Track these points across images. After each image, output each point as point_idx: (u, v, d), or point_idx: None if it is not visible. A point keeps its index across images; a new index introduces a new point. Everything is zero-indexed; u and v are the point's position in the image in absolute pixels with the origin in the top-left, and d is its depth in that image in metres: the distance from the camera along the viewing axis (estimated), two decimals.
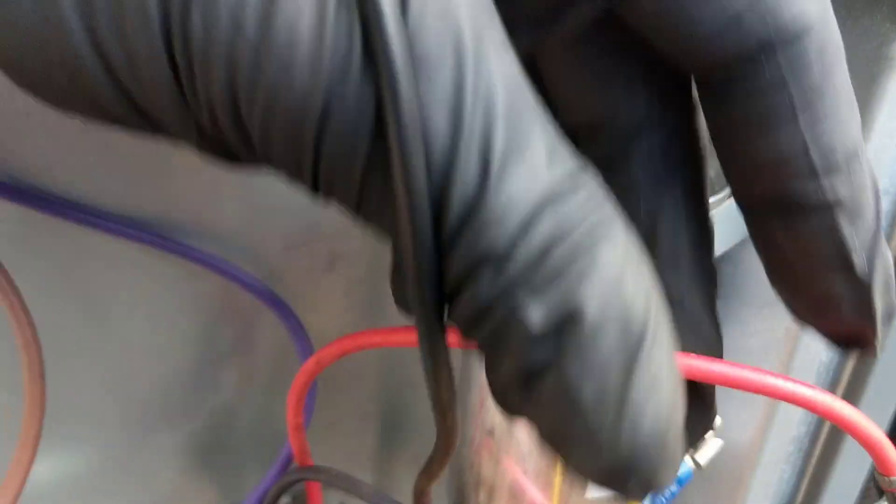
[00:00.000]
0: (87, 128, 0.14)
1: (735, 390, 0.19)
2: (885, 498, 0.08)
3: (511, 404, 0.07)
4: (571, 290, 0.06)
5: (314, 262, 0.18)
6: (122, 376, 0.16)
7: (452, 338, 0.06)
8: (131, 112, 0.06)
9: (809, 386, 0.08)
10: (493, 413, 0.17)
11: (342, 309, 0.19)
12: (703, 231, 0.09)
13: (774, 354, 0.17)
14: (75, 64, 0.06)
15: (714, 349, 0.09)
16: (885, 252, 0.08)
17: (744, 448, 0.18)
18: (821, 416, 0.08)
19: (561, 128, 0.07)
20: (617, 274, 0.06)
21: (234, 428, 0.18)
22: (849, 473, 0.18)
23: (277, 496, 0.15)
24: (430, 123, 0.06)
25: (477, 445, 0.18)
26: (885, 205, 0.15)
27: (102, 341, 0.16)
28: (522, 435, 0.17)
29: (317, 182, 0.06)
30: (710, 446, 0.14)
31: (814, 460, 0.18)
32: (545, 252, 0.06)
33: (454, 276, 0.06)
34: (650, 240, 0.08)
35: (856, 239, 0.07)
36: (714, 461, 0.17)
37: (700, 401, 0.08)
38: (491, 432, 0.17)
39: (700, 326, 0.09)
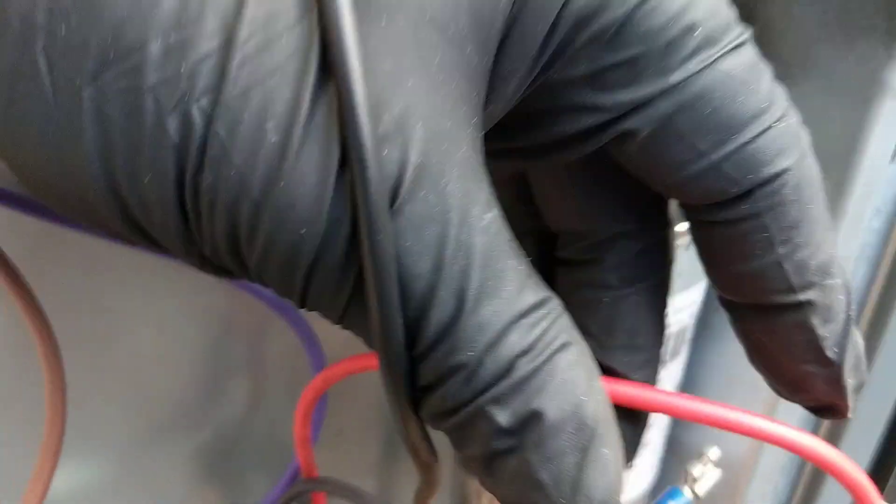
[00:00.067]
0: None
1: (732, 403, 0.19)
2: None
3: (476, 475, 0.08)
4: (533, 397, 0.07)
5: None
6: (136, 388, 0.17)
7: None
8: (141, 238, 0.07)
9: (794, 427, 0.08)
10: None
11: None
12: (657, 326, 0.10)
13: (762, 387, 0.17)
14: (89, 196, 0.07)
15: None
16: (856, 339, 0.08)
17: (740, 459, 0.18)
18: (804, 458, 0.08)
19: (545, 230, 0.09)
20: (572, 381, 0.07)
21: (244, 439, 0.19)
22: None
23: None
24: (414, 270, 0.06)
25: None
26: (878, 224, 0.15)
27: (118, 353, 0.16)
28: None
29: (304, 303, 0.07)
30: (709, 477, 0.15)
31: (807, 470, 0.19)
32: (511, 365, 0.07)
33: (426, 380, 0.07)
34: (609, 329, 0.09)
35: (827, 333, 0.08)
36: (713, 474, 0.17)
37: (633, 419, 0.09)
38: None
39: None
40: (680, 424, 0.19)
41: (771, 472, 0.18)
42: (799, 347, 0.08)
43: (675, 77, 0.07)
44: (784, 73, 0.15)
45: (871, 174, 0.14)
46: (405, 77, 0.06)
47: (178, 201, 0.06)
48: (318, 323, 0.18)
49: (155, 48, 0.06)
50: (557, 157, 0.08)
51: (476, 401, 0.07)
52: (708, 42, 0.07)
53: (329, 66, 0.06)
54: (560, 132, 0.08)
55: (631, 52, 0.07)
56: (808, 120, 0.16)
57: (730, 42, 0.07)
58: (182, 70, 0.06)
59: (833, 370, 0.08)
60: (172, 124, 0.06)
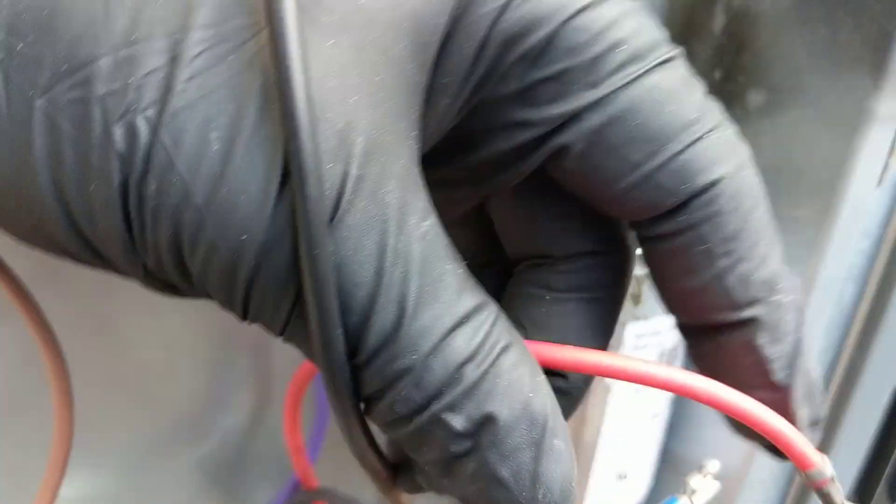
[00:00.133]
0: None
1: (723, 415, 0.19)
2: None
3: (434, 479, 0.08)
4: (485, 401, 0.07)
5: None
6: (142, 400, 0.17)
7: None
8: (86, 251, 0.07)
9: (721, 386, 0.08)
10: None
11: None
12: (595, 340, 0.10)
13: None
14: (40, 208, 0.07)
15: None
16: (807, 364, 0.08)
17: (731, 472, 0.18)
18: (727, 412, 0.08)
19: (506, 256, 0.09)
20: (518, 381, 0.07)
21: (247, 450, 0.19)
22: None
23: None
24: (355, 279, 0.07)
25: None
26: (866, 245, 0.16)
27: (124, 367, 0.16)
28: None
29: (246, 314, 0.07)
30: (709, 489, 0.15)
31: (796, 483, 0.19)
32: (459, 370, 0.07)
33: (373, 388, 0.07)
34: (543, 327, 0.09)
35: (776, 354, 0.08)
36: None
37: (567, 393, 0.10)
38: None
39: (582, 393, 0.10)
40: (675, 437, 0.19)
41: (761, 483, 0.19)
42: (746, 371, 0.08)
43: (603, 90, 0.07)
44: (774, 101, 0.16)
45: (858, 198, 0.15)
46: (348, 94, 0.07)
47: (123, 209, 0.07)
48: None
49: (105, 62, 0.06)
50: (502, 179, 0.08)
51: (430, 407, 0.07)
52: (634, 57, 0.07)
53: (275, 83, 0.06)
54: (497, 151, 0.08)
55: (558, 67, 0.07)
56: (798, 145, 0.17)
57: (657, 58, 0.07)
58: (130, 82, 0.06)
59: (781, 396, 0.08)
60: (119, 133, 0.06)
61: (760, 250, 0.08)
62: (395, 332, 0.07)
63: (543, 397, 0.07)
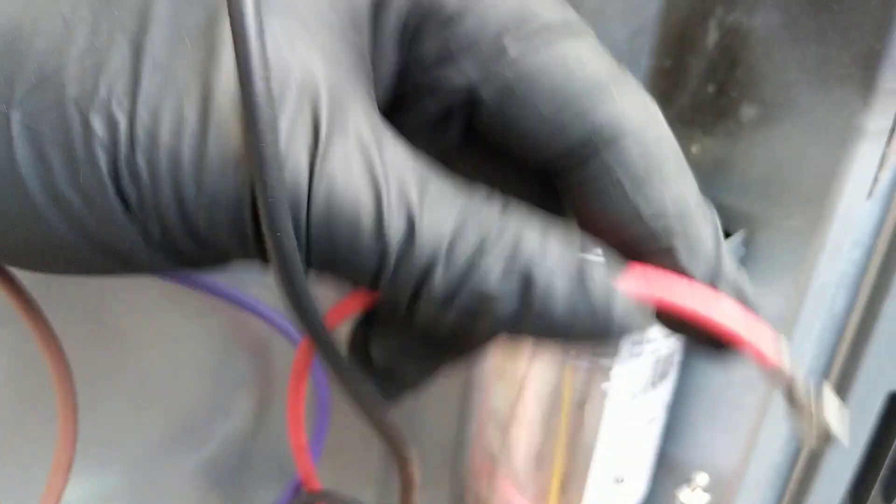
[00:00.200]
0: None
1: (719, 421, 0.19)
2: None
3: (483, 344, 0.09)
4: (514, 260, 0.08)
5: (326, 291, 0.19)
6: (144, 405, 0.17)
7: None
8: (88, 247, 0.08)
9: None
10: (492, 439, 0.18)
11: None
12: None
13: (755, 389, 0.18)
14: (34, 213, 0.07)
15: None
16: (730, 276, 0.09)
17: (727, 475, 0.19)
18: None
19: None
20: (541, 244, 0.08)
21: (249, 453, 0.19)
22: (824, 496, 0.19)
23: None
24: (356, 201, 0.07)
25: (476, 469, 0.19)
26: (857, 255, 0.16)
27: (127, 372, 0.17)
28: (520, 460, 0.18)
29: (264, 255, 0.08)
30: (698, 501, 0.15)
31: (792, 485, 0.19)
32: (480, 245, 0.08)
33: (407, 293, 0.08)
34: None
35: (696, 271, 0.09)
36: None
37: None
38: (490, 457, 0.18)
39: None
40: (671, 440, 0.20)
41: (757, 486, 0.19)
42: None
43: (514, 52, 0.08)
44: (766, 115, 0.16)
45: (849, 210, 0.15)
46: (304, 57, 0.07)
47: (117, 190, 0.07)
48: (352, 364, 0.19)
49: (73, 70, 0.07)
50: (442, 141, 0.09)
51: (467, 284, 0.07)
52: (545, 28, 0.08)
53: (235, 51, 0.07)
54: (428, 112, 0.09)
55: (474, 33, 0.08)
56: (790, 157, 0.17)
57: (568, 29, 0.08)
58: (100, 81, 0.07)
59: None
60: (98, 124, 0.07)
61: (674, 187, 0.09)
62: (412, 232, 0.07)
63: (560, 252, 0.08)
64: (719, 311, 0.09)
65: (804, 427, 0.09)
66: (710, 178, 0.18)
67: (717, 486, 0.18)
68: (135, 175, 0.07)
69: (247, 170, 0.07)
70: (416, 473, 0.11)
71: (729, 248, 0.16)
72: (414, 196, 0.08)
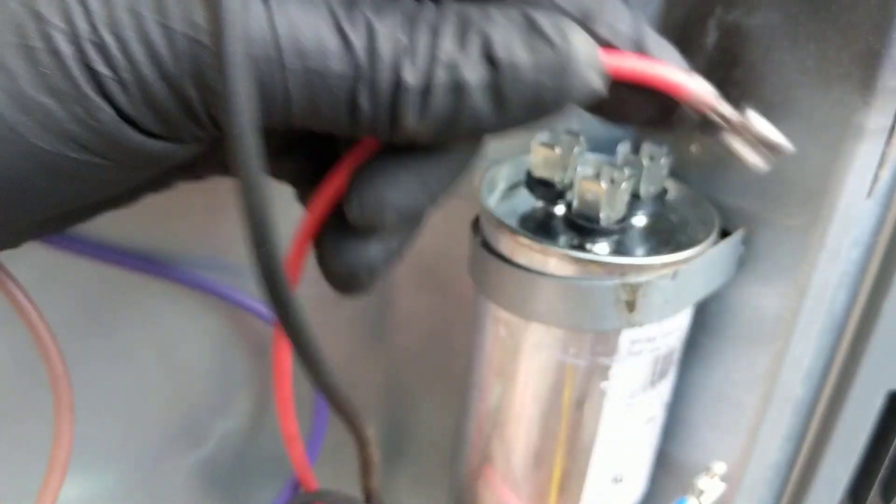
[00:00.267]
0: None
1: (719, 421, 0.19)
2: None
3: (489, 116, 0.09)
4: (481, 30, 0.08)
5: (323, 293, 0.19)
6: (141, 404, 0.17)
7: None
8: (64, 148, 0.08)
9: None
10: (489, 438, 0.18)
11: (350, 337, 0.20)
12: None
13: (754, 388, 0.18)
14: (5, 130, 0.08)
15: None
16: (651, 40, 0.10)
17: (726, 474, 0.19)
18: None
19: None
20: (484, 14, 0.09)
21: (247, 453, 0.19)
22: (824, 495, 0.19)
23: None
24: (321, 47, 0.08)
25: (474, 469, 0.19)
26: (856, 254, 0.16)
27: (124, 371, 0.17)
28: (518, 459, 0.18)
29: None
30: (715, 489, 0.16)
31: (791, 485, 0.19)
32: (437, 37, 0.08)
33: (386, 100, 0.08)
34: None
35: (618, 41, 0.10)
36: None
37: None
38: (488, 457, 0.18)
39: None
40: (670, 439, 0.20)
41: (756, 486, 0.19)
42: None
43: None
44: (766, 114, 0.16)
45: (848, 209, 0.15)
46: None
47: (86, 70, 0.07)
48: (318, 339, 0.19)
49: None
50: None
51: (437, 64, 0.08)
52: None
53: None
54: None
55: None
56: (788, 159, 0.17)
57: None
58: None
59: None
60: (47, 10, 0.07)
61: None
62: (373, 40, 0.08)
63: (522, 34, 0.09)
64: (655, 66, 0.09)
65: (749, 148, 0.10)
66: (709, 177, 0.18)
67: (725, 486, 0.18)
68: (102, 48, 0.07)
69: (209, 19, 0.07)
70: (375, 455, 0.11)
71: (729, 247, 0.16)
72: (366, 10, 0.08)
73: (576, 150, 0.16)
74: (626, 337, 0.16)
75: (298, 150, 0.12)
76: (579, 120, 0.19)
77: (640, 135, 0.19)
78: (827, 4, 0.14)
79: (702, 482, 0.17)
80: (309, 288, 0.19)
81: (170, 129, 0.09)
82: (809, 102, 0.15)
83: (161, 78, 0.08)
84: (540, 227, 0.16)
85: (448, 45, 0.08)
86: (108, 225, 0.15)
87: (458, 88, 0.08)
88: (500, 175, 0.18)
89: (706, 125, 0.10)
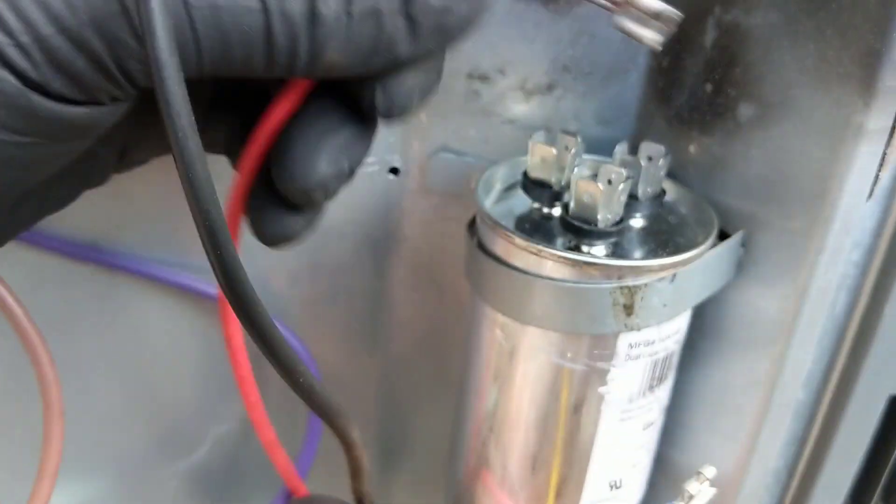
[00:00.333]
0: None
1: (718, 426, 0.19)
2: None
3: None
4: None
5: (317, 296, 0.19)
6: (132, 408, 0.17)
7: None
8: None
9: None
10: (486, 443, 0.18)
11: (345, 339, 0.20)
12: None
13: (754, 392, 0.17)
14: None
15: None
16: None
17: (725, 480, 0.18)
18: None
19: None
20: None
21: (240, 458, 0.19)
22: (825, 502, 0.19)
23: None
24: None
25: (470, 474, 0.19)
26: (857, 256, 0.16)
27: (115, 376, 0.16)
28: (515, 464, 0.17)
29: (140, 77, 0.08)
30: (705, 494, 0.15)
31: (792, 491, 0.19)
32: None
33: (301, 31, 0.09)
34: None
35: None
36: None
37: None
38: (486, 465, 0.18)
39: None
40: (669, 444, 0.20)
41: (756, 489, 0.19)
42: None
43: None
44: (765, 114, 0.16)
45: (849, 211, 0.15)
46: None
47: (7, 34, 0.07)
48: (312, 342, 0.19)
49: None
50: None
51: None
52: None
53: None
54: None
55: None
56: (789, 157, 0.17)
57: None
58: None
59: None
60: None
61: None
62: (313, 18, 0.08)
63: None
64: None
65: (641, 25, 0.10)
66: (707, 177, 0.17)
67: (716, 491, 0.18)
68: (24, 18, 0.07)
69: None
70: (364, 457, 0.11)
71: (729, 249, 0.16)
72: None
73: (573, 150, 0.16)
74: (625, 341, 0.15)
75: (224, 117, 0.12)
76: (576, 121, 0.19)
77: (637, 135, 0.18)
78: (826, 4, 0.14)
79: (692, 486, 0.17)
80: (301, 290, 0.19)
81: (83, 91, 0.08)
82: (809, 103, 0.15)
83: (60, 33, 0.07)
84: (536, 229, 0.16)
85: None
86: (97, 227, 0.15)
87: (373, 14, 0.08)
88: (496, 176, 0.18)
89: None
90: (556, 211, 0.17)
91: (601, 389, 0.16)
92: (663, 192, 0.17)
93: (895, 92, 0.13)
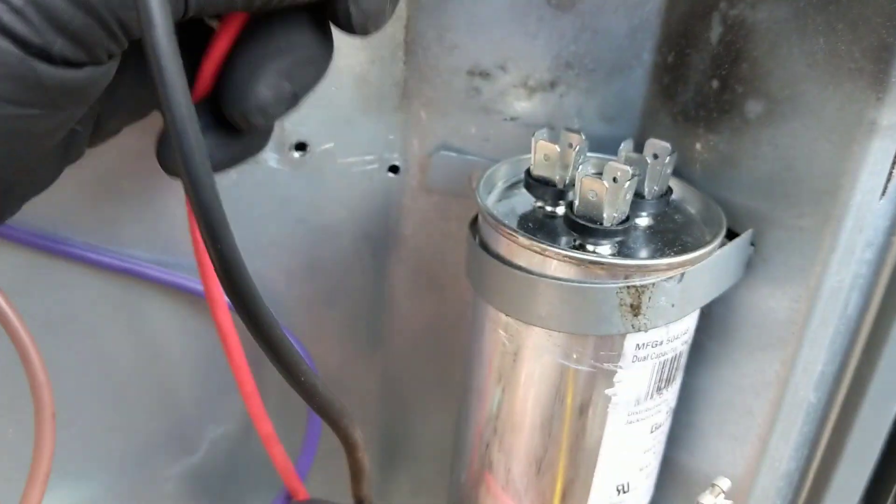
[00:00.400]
0: (95, 173, 0.14)
1: (727, 428, 0.19)
2: None
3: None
4: None
5: (316, 296, 0.19)
6: (127, 410, 0.17)
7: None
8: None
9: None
10: (490, 445, 0.17)
11: (343, 339, 0.20)
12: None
13: (764, 394, 0.17)
14: None
15: None
16: None
17: (735, 483, 0.18)
18: None
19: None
20: None
21: (237, 461, 0.19)
22: None
23: None
24: None
25: (474, 481, 0.18)
26: (870, 255, 0.16)
27: (109, 377, 0.16)
28: (519, 467, 0.17)
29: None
30: None
31: (804, 495, 0.19)
32: None
33: None
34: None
35: None
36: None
37: None
38: (489, 468, 0.18)
39: None
40: (677, 447, 0.19)
41: (766, 496, 0.18)
42: None
43: None
44: (773, 110, 0.16)
45: (861, 209, 0.14)
46: None
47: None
48: (311, 343, 0.18)
49: None
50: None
51: None
52: None
53: None
54: None
55: None
56: (799, 155, 0.17)
57: None
58: None
59: None
60: None
61: None
62: None
63: None
64: None
65: None
66: (714, 175, 0.17)
67: (727, 496, 0.18)
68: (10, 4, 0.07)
69: None
70: (366, 459, 0.10)
71: (737, 249, 0.16)
72: None
73: (577, 148, 0.16)
74: (632, 342, 0.15)
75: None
76: (579, 119, 0.18)
77: (641, 133, 0.18)
78: None
79: (706, 499, 0.16)
80: (299, 290, 0.18)
81: (84, 50, 0.08)
82: (819, 98, 0.14)
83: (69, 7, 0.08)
84: (540, 228, 0.16)
85: None
86: (89, 226, 0.14)
87: None
88: (498, 174, 0.17)
89: None
90: (560, 209, 0.16)
91: (608, 391, 0.16)
92: (670, 190, 0.16)
93: None
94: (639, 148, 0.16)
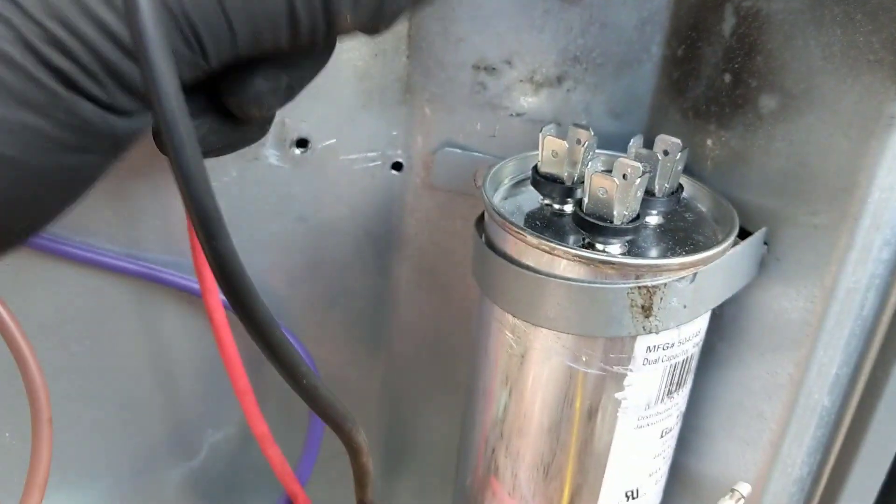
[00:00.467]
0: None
1: (738, 432, 0.18)
2: None
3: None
4: None
5: (317, 295, 0.18)
6: (127, 415, 0.16)
7: None
8: (40, 150, 0.08)
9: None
10: (496, 449, 0.17)
11: (345, 341, 0.19)
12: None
13: (776, 397, 0.17)
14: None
15: None
16: None
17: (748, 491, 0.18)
18: None
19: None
20: None
21: (238, 465, 0.18)
22: None
23: None
24: None
25: (480, 485, 0.18)
26: (887, 255, 0.15)
27: (109, 380, 0.16)
28: (526, 472, 0.17)
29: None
30: None
31: (816, 501, 0.18)
32: None
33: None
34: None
35: None
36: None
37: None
38: (495, 472, 0.17)
39: None
40: (686, 452, 0.19)
41: (779, 499, 0.18)
42: None
43: None
44: (788, 105, 0.15)
45: (879, 206, 0.14)
46: None
47: (39, 63, 0.08)
48: (313, 344, 0.18)
49: None
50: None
51: None
52: None
53: None
54: None
55: None
56: (814, 151, 0.16)
57: None
58: None
59: None
60: None
61: None
62: None
63: None
64: None
65: None
66: (726, 173, 0.17)
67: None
68: (57, 43, 0.08)
69: None
70: (370, 464, 0.10)
71: (750, 248, 0.15)
72: None
73: (585, 144, 0.15)
74: (642, 344, 0.15)
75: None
76: (587, 115, 0.18)
77: (651, 129, 0.18)
78: None
79: None
80: (300, 290, 0.18)
81: (140, 100, 0.09)
82: (836, 91, 0.14)
83: (118, 48, 0.08)
84: (547, 226, 0.15)
85: None
86: (87, 226, 0.14)
87: None
88: (504, 171, 0.17)
89: None
90: (568, 207, 0.16)
91: (617, 395, 0.15)
92: (680, 187, 0.16)
93: None
94: (648, 144, 0.16)
